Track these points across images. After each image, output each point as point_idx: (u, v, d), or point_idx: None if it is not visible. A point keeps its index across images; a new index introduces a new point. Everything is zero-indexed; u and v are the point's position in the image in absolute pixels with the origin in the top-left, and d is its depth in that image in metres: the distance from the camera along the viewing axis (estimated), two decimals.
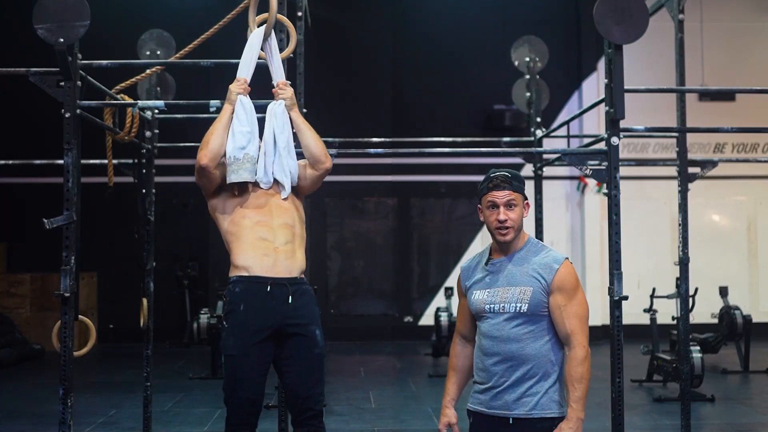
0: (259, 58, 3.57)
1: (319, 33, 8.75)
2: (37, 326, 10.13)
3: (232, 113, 3.37)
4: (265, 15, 3.63)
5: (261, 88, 3.70)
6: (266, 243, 3.25)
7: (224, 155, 3.33)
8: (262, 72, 3.62)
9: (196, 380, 8.17)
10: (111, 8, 10.03)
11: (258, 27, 3.61)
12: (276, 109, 3.46)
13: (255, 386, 3.21)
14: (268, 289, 3.20)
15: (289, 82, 3.61)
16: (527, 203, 2.82)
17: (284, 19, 3.82)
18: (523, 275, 2.74)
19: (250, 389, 3.19)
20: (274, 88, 3.58)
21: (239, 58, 3.53)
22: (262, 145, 3.41)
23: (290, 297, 3.22)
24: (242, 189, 3.35)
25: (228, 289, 3.25)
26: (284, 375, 3.30)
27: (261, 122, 3.48)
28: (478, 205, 2.85)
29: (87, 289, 10.56)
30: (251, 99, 3.45)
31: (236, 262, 3.25)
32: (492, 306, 2.74)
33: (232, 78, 3.51)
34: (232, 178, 3.30)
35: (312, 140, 3.47)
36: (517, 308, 2.71)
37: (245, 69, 3.49)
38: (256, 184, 3.37)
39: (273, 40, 3.60)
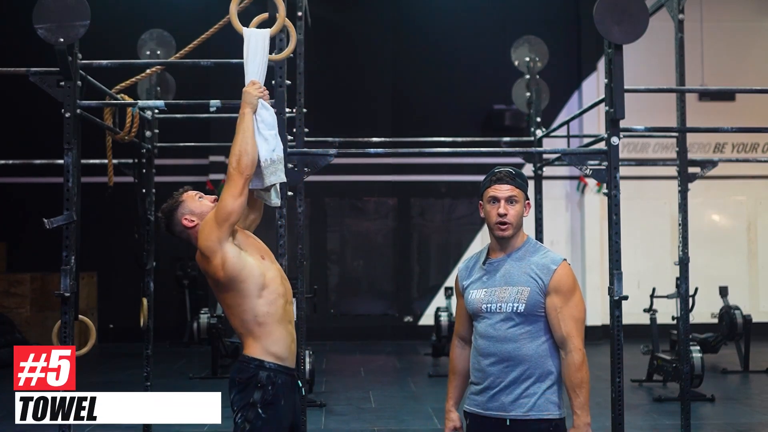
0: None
1: (319, 33, 8.75)
2: (37, 326, 10.12)
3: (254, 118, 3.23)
4: (263, 16, 3.60)
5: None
6: (292, 326, 3.04)
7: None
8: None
9: (196, 380, 8.17)
10: (111, 8, 10.03)
11: (257, 26, 3.57)
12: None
13: None
14: (299, 383, 3.09)
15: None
16: (528, 203, 2.82)
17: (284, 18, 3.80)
18: (521, 275, 2.73)
19: None
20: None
21: (239, 57, 3.49)
22: None
23: (302, 389, 3.16)
24: (253, 254, 3.02)
25: (268, 375, 2.93)
26: None
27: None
28: (480, 201, 2.83)
29: (87, 289, 10.56)
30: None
31: (272, 348, 2.94)
32: (489, 306, 2.73)
33: (232, 78, 3.47)
34: (272, 179, 3.17)
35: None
36: (514, 308, 2.69)
37: (259, 72, 3.37)
38: (261, 253, 3.07)
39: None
